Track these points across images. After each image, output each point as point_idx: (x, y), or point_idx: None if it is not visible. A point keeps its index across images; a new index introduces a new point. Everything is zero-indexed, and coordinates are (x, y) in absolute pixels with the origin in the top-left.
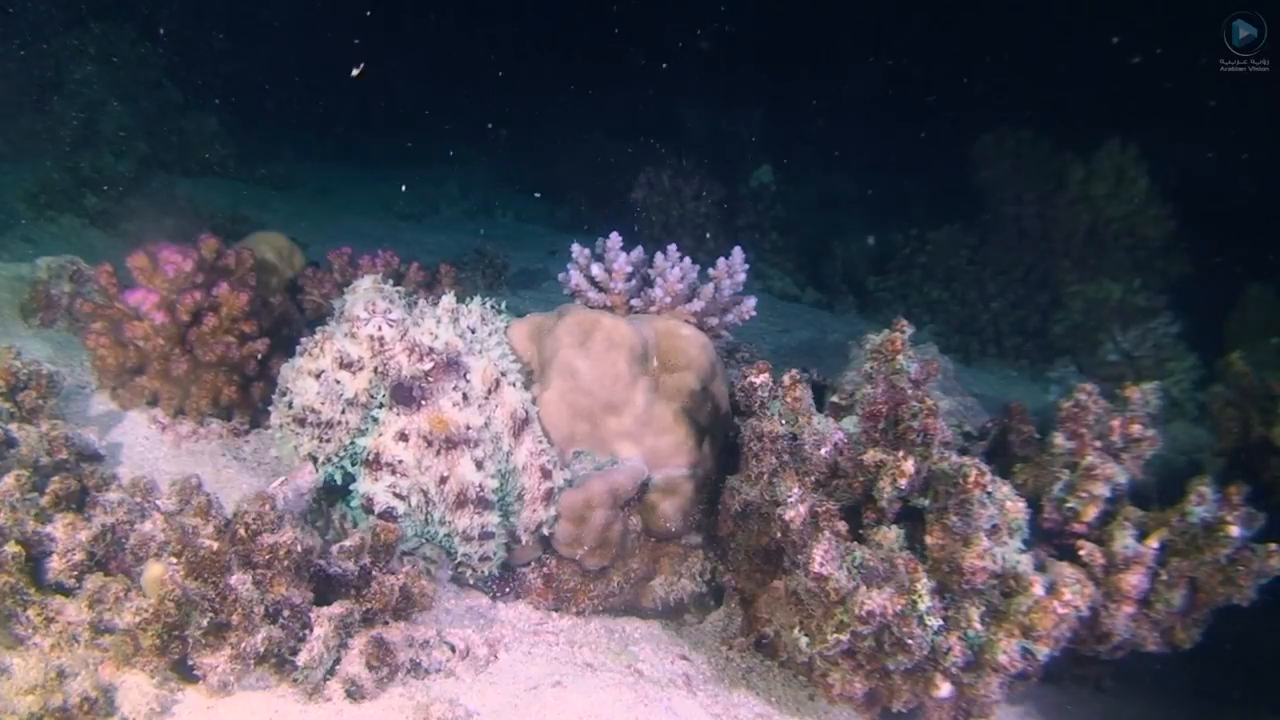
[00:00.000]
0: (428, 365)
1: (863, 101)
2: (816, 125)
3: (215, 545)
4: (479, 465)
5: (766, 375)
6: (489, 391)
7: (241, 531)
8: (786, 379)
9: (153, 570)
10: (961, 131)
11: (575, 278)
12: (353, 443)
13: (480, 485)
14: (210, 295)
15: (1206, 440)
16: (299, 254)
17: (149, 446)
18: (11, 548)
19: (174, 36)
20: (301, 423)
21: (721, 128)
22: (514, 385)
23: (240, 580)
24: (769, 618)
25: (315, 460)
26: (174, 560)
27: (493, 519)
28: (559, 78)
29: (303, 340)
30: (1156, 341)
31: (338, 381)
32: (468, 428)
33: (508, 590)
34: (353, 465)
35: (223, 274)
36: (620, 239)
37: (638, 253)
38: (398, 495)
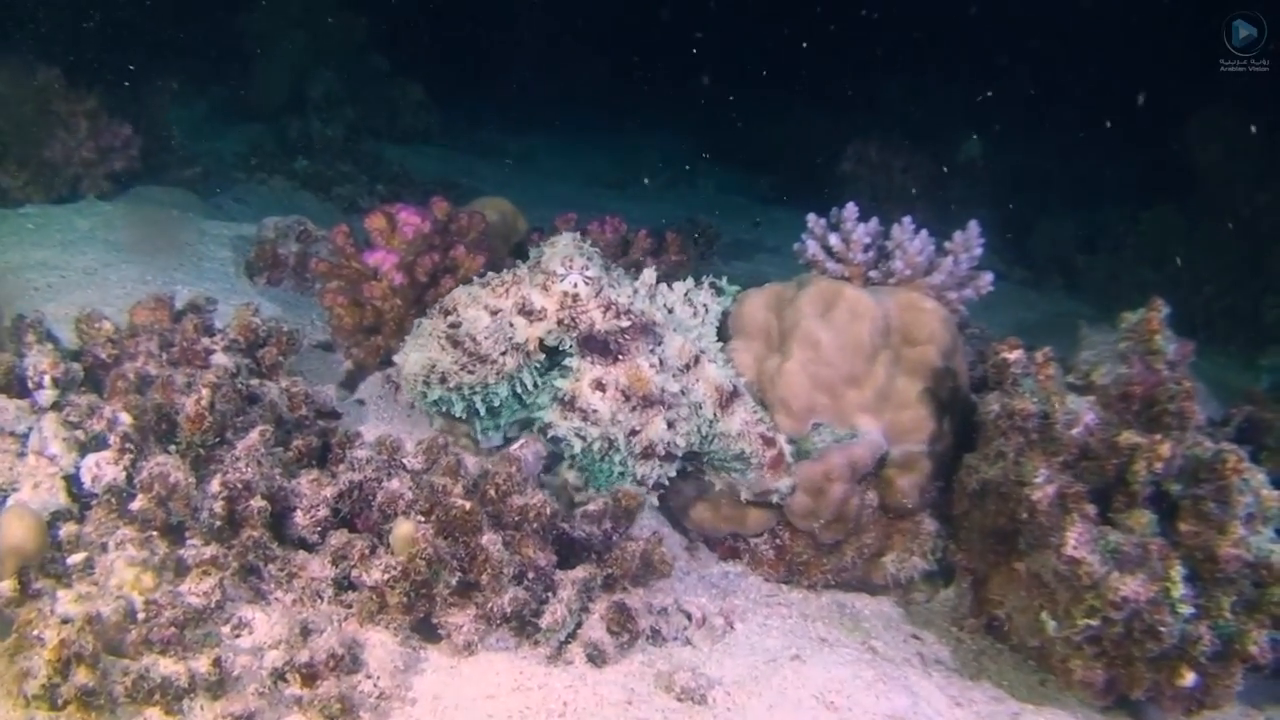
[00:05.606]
0: (625, 323)
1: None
2: (1018, 96)
3: (467, 505)
4: (670, 425)
5: (1020, 351)
6: (686, 366)
7: (492, 492)
8: (1040, 356)
9: (403, 528)
10: (1162, 106)
11: (812, 248)
12: (496, 383)
13: (670, 442)
14: (448, 257)
15: None
16: (521, 219)
17: (383, 405)
18: (258, 502)
19: (377, 5)
20: (456, 344)
21: (921, 97)
22: (714, 362)
23: (491, 540)
24: (1001, 599)
25: (445, 382)
26: (423, 519)
27: (671, 470)
28: (757, 48)
29: (489, 274)
30: None
31: (511, 325)
32: (663, 390)
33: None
34: (482, 404)
35: (455, 237)
36: (856, 209)
37: (874, 223)
38: (580, 437)
